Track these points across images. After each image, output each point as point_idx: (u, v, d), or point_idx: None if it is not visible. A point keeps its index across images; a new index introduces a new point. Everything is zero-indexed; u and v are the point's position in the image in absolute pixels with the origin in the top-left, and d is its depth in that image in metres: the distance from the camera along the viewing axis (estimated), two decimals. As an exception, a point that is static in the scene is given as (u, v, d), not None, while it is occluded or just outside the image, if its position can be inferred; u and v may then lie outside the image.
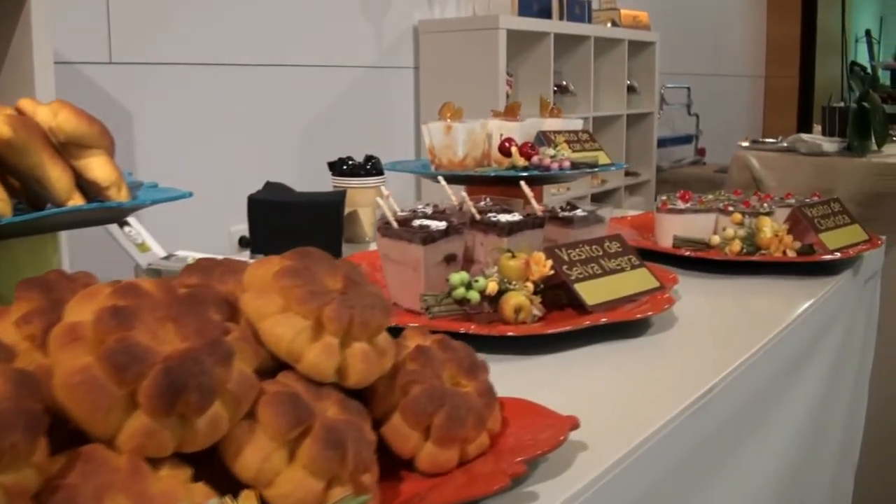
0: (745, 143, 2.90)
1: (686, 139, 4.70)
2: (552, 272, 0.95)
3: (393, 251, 1.00)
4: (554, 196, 3.81)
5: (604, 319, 0.90)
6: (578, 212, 1.11)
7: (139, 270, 1.18)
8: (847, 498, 1.65)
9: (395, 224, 0.99)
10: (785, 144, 2.72)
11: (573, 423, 0.62)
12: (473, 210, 1.04)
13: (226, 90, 2.64)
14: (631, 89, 4.09)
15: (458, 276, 0.92)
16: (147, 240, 1.23)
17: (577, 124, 1.58)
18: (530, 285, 0.94)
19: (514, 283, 0.94)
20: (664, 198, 1.40)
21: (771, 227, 1.26)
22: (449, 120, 1.50)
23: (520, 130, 1.49)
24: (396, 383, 0.60)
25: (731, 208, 1.34)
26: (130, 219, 1.26)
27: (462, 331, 0.87)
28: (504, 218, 1.03)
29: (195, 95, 2.57)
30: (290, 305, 0.55)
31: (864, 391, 1.57)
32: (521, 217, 1.04)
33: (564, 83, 3.75)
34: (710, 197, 1.44)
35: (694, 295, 1.14)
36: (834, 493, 1.52)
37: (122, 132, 2.40)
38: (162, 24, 2.40)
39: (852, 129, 2.49)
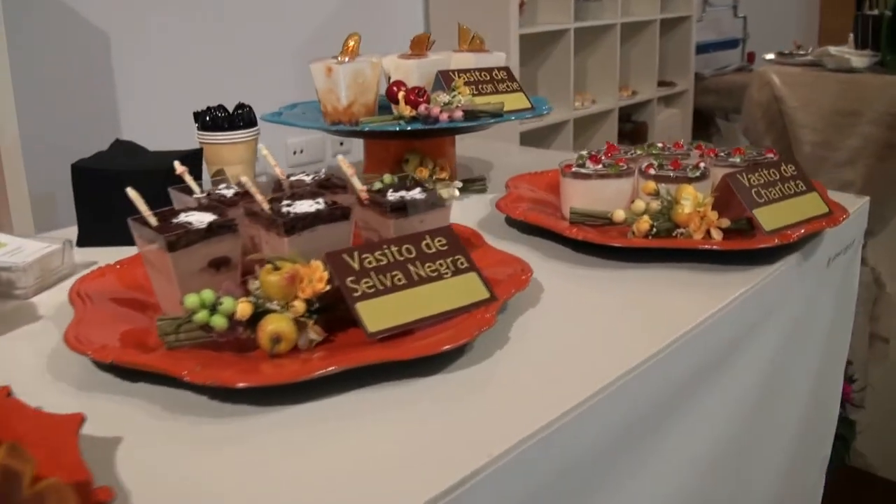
0: (771, 56, 2.55)
1: (732, 43, 4.28)
2: (329, 287, 0.74)
3: (151, 255, 0.80)
4: (577, 110, 3.49)
5: (348, 364, 0.68)
6: (415, 193, 0.88)
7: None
8: (816, 493, 1.42)
9: (152, 220, 0.78)
10: (811, 58, 2.37)
11: None
12: (259, 197, 0.82)
13: (212, 10, 2.44)
14: (665, -10, 3.70)
15: (195, 298, 0.71)
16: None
17: (497, 59, 1.32)
18: (299, 305, 0.73)
19: (276, 302, 0.73)
20: (583, 153, 1.15)
21: (693, 200, 1.01)
22: (340, 57, 1.26)
23: (418, 71, 1.24)
24: None
25: (652, 170, 1.08)
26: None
27: (183, 374, 0.67)
28: (297, 209, 0.81)
29: (185, 19, 2.37)
30: None
31: (837, 381, 1.31)
32: (319, 207, 0.81)
33: (587, -14, 3.40)
34: (640, 152, 1.19)
35: (567, 297, 0.90)
36: (798, 491, 1.30)
37: (100, 57, 2.23)
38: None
39: (885, 41, 2.13)
